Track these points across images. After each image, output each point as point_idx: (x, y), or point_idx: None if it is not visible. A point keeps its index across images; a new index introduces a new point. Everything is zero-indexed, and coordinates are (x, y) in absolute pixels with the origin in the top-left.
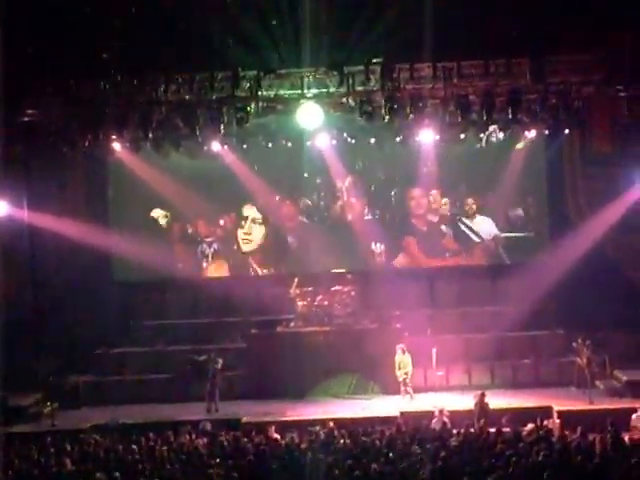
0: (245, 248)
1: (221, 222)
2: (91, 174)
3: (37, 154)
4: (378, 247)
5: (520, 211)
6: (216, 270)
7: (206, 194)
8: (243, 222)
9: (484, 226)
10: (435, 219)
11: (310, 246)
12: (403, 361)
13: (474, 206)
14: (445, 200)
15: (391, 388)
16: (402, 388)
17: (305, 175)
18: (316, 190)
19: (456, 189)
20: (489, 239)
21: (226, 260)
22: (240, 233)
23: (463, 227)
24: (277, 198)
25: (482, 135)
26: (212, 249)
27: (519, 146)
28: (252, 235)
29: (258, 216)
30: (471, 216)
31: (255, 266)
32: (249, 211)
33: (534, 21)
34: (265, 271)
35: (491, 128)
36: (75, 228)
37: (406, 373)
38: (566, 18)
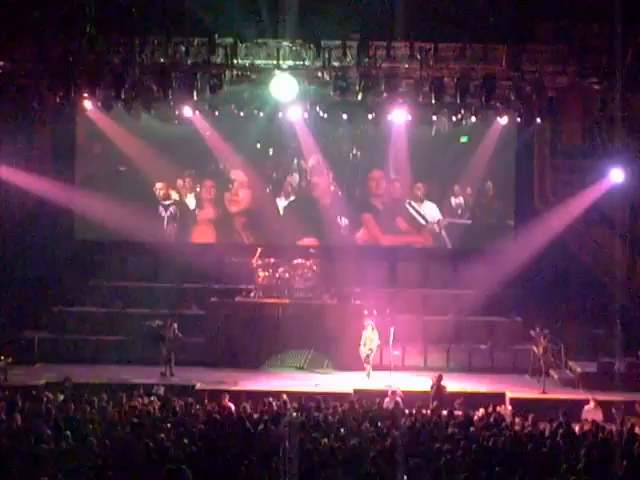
0: (233, 209)
1: (180, 183)
2: (60, 130)
3: (6, 107)
4: (343, 221)
5: (461, 199)
6: (200, 234)
7: (174, 159)
8: (230, 185)
9: (430, 210)
10: (390, 199)
11: (275, 218)
12: (370, 337)
13: (422, 190)
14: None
15: (346, 364)
16: (365, 365)
17: (273, 147)
18: (284, 163)
19: (421, 174)
20: (434, 222)
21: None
22: (227, 195)
23: (412, 210)
24: (248, 170)
25: (454, 118)
26: (168, 212)
27: (463, 140)
28: (239, 197)
29: (245, 179)
30: (419, 200)
31: (240, 230)
32: (237, 174)
33: (513, 8)
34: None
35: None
36: (40, 183)
37: (370, 349)
38: (545, 8)
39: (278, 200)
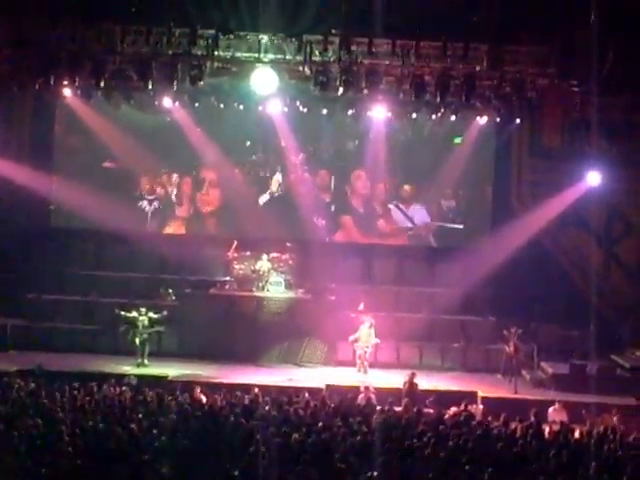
0: (204, 209)
1: (165, 178)
2: (39, 117)
3: None
4: (319, 221)
5: (453, 202)
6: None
7: (153, 150)
8: (202, 185)
9: (418, 213)
10: (372, 201)
11: (253, 213)
12: (368, 334)
13: (410, 193)
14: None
15: (318, 359)
16: (358, 361)
17: (252, 141)
18: (263, 158)
19: (397, 173)
20: (421, 226)
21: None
22: (198, 195)
23: (398, 211)
24: (226, 163)
25: (434, 116)
26: (152, 207)
27: (457, 141)
28: (209, 197)
29: (215, 179)
30: (406, 202)
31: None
32: (208, 173)
33: (495, 8)
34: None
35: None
36: (17, 170)
37: (367, 346)
38: (527, 8)
39: (258, 196)
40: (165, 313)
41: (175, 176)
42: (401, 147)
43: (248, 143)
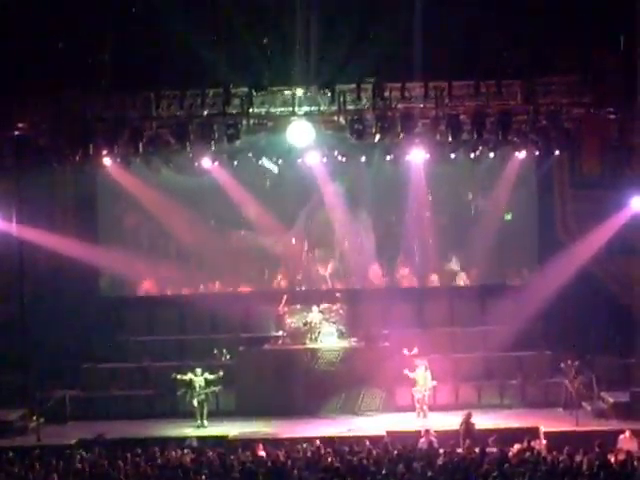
0: None
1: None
2: (81, 189)
3: (27, 168)
4: (374, 269)
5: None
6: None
7: (195, 210)
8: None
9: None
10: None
11: (302, 266)
12: (424, 377)
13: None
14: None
15: (376, 406)
16: (417, 405)
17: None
18: (307, 210)
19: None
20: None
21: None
22: None
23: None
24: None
25: (472, 155)
26: None
27: (508, 217)
28: None
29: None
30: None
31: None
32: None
33: (525, 42)
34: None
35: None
36: (64, 242)
37: (425, 390)
38: (557, 39)
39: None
40: (221, 373)
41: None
42: (442, 187)
43: (289, 197)
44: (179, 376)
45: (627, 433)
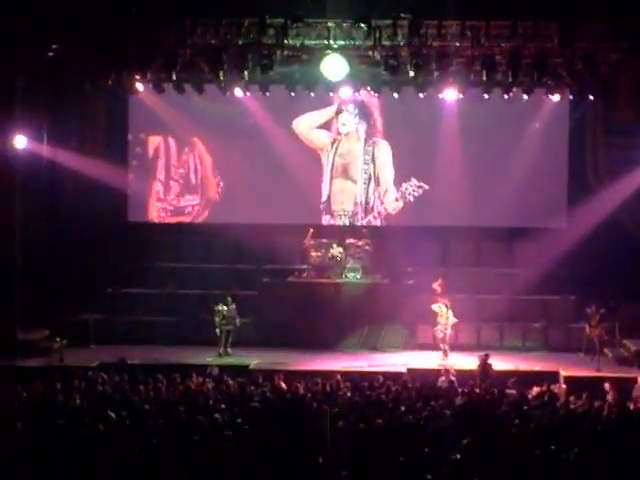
0: None
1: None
2: (113, 113)
3: (60, 90)
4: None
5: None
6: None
7: (225, 141)
8: None
9: None
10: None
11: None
12: (446, 316)
13: None
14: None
15: (398, 343)
16: (441, 345)
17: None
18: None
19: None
20: None
21: None
22: None
23: None
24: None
25: (506, 96)
26: None
27: None
28: None
29: None
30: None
31: None
32: None
33: None
34: None
35: None
36: (94, 166)
37: (446, 328)
38: None
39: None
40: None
41: None
42: (474, 128)
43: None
44: (219, 307)
45: None
